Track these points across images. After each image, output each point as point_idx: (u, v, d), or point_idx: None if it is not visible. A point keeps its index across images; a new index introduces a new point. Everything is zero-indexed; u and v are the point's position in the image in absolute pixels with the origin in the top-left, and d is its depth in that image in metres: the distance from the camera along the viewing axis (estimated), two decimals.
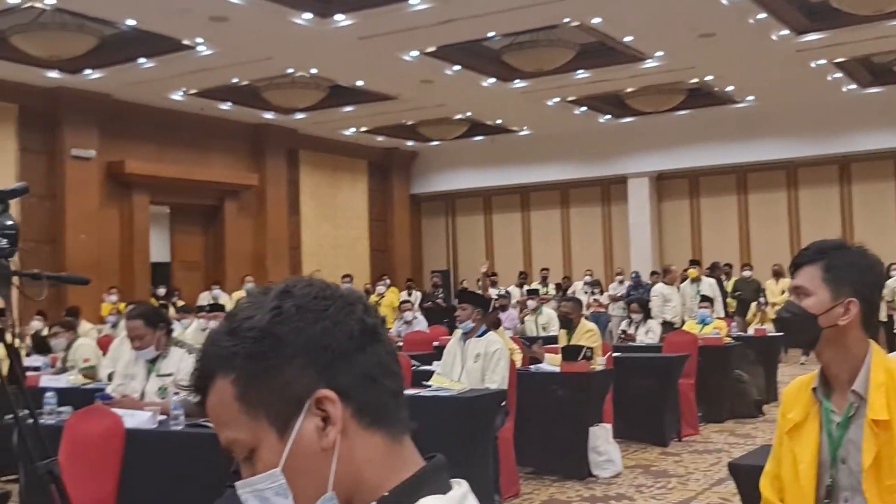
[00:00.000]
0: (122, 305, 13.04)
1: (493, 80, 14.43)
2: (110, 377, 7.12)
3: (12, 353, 2.44)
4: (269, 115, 16.46)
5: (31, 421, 2.52)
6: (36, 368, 7.71)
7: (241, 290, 14.87)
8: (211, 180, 16.41)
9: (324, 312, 1.03)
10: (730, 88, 15.61)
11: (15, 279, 2.50)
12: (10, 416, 2.67)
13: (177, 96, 14.80)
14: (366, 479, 1.02)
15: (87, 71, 12.98)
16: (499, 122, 17.89)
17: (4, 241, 2.43)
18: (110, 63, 12.66)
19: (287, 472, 1.00)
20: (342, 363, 1.02)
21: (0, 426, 3.89)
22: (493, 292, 13.48)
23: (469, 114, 17.00)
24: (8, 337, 2.51)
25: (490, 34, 12.16)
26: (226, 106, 15.65)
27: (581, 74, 14.19)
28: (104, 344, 9.03)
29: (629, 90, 15.41)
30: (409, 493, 1.00)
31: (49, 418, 4.73)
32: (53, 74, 13.05)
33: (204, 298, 14.21)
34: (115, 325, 12.29)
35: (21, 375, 2.52)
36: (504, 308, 11.85)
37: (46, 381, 6.98)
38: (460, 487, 1.04)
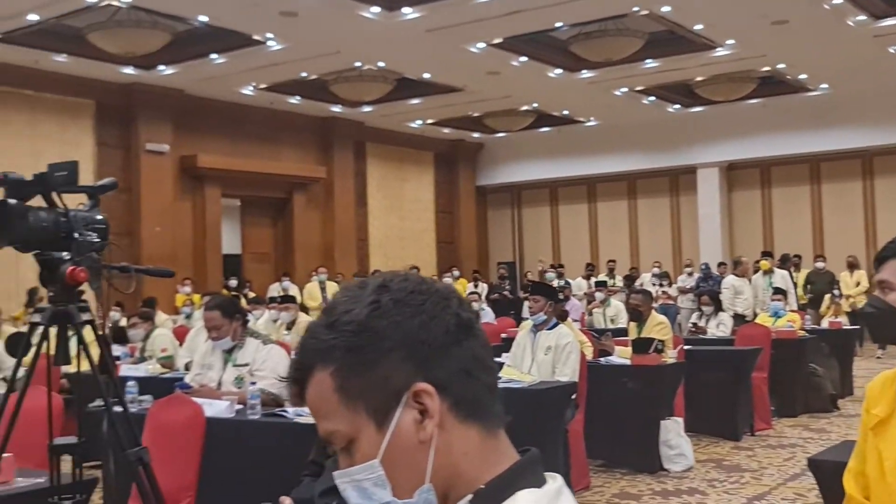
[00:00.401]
0: (195, 297, 13.33)
1: (559, 70, 14.35)
2: (187, 367, 7.29)
3: (103, 343, 2.52)
4: (336, 109, 16.62)
5: (120, 409, 2.61)
6: (115, 358, 7.93)
7: (311, 282, 15.07)
8: (280, 173, 16.65)
9: (421, 307, 1.05)
10: (803, 76, 15.27)
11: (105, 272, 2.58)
12: (100, 403, 2.76)
13: (247, 91, 15.03)
14: (462, 472, 1.03)
15: (161, 67, 13.27)
16: (565, 112, 17.78)
17: (95, 236, 2.51)
18: (183, 59, 12.92)
19: (385, 463, 1.02)
20: (439, 357, 1.04)
21: (86, 413, 4.02)
22: (554, 284, 13.41)
23: (535, 105, 16.93)
24: (96, 328, 2.59)
25: (557, 24, 12.09)
26: (294, 100, 15.85)
27: (650, 64, 14.03)
28: (179, 334, 9.25)
29: (699, 79, 15.18)
30: (506, 487, 1.01)
31: (131, 407, 4.87)
32: (129, 71, 13.37)
33: (274, 290, 14.44)
34: (189, 316, 12.56)
35: (111, 365, 2.61)
36: (567, 298, 11.76)
37: (126, 370, 7.18)
38: (555, 482, 1.05)
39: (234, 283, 14.96)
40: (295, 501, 3.15)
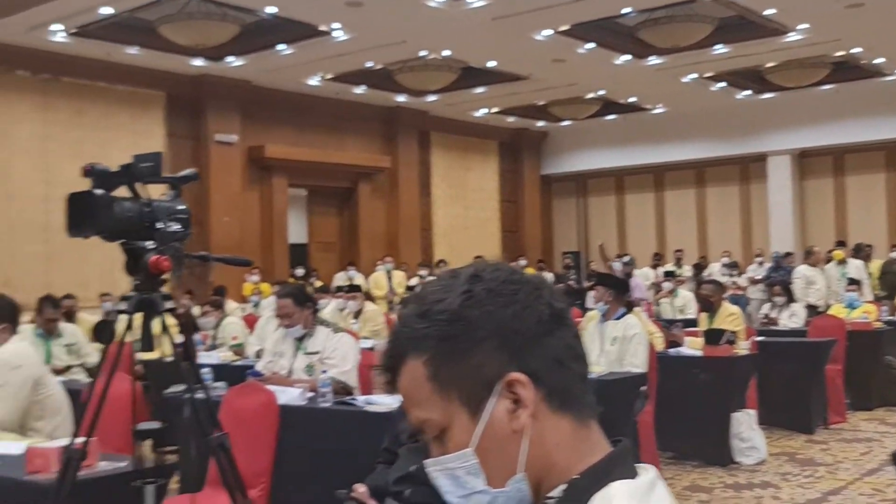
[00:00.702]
0: (263, 285, 13.52)
1: (627, 57, 14.17)
2: (257, 354, 7.40)
3: (186, 330, 2.57)
4: (401, 98, 16.66)
5: (201, 396, 2.65)
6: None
7: (377, 271, 15.16)
8: (346, 163, 16.78)
9: (514, 296, 1.04)
10: (879, 61, 14.84)
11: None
12: (176, 389, 2.81)
13: (313, 81, 15.15)
14: (555, 462, 1.03)
15: (230, 58, 13.44)
16: (632, 100, 17.56)
17: (178, 226, 2.55)
18: (251, 50, 13.07)
19: (478, 452, 1.02)
20: (532, 347, 1.04)
21: (164, 399, 4.10)
22: (616, 266, 13.26)
23: (602, 92, 16.75)
24: (178, 316, 2.64)
25: (625, 10, 11.93)
26: (360, 90, 15.93)
27: (719, 49, 13.76)
28: (247, 323, 9.38)
29: (770, 65, 14.85)
30: (599, 477, 1.00)
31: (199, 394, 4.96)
32: (198, 62, 13.57)
33: (339, 279, 14.56)
34: (256, 305, 12.76)
35: (194, 352, 2.65)
36: (629, 276, 11.58)
37: (198, 357, 7.30)
38: (648, 473, 1.04)
39: (300, 272, 15.12)
40: (369, 489, 3.18)
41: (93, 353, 7.43)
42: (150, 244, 2.52)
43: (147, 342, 2.58)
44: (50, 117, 12.94)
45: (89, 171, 2.42)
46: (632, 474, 1.02)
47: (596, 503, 0.98)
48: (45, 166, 12.77)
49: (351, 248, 17.15)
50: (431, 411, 1.04)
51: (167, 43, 11.90)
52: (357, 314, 9.75)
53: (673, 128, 18.81)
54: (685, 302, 11.50)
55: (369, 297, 11.86)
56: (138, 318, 2.58)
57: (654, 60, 14.35)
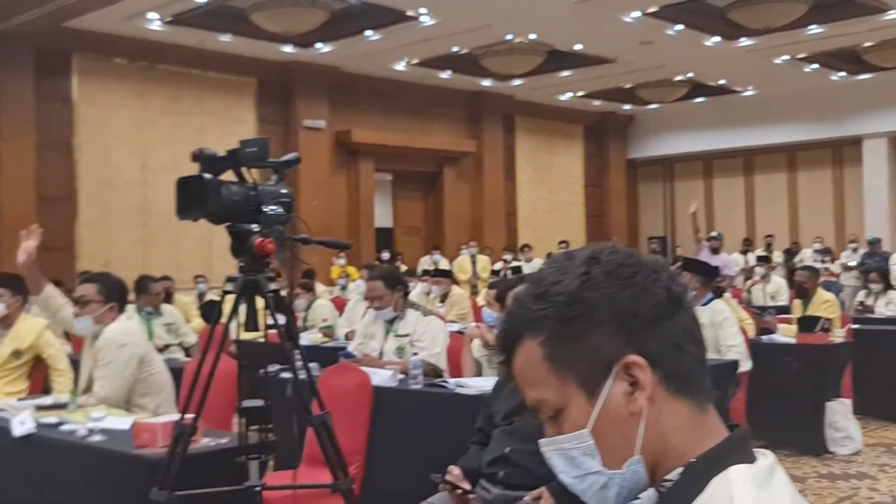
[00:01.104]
0: (350, 269, 13.70)
1: (717, 38, 13.88)
2: (347, 336, 7.53)
3: (288, 312, 2.64)
4: (486, 83, 16.64)
5: (304, 376, 2.72)
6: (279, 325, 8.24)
7: (462, 255, 15.22)
8: (431, 147, 16.85)
9: (631, 279, 1.05)
10: None
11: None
12: (275, 369, 2.89)
13: (399, 67, 15.25)
14: (672, 446, 1.03)
15: (319, 45, 13.62)
16: (722, 82, 17.20)
17: (281, 209, 2.62)
18: (339, 36, 13.20)
19: (594, 433, 1.04)
20: (650, 330, 1.04)
21: (258, 379, 4.21)
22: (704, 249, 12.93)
23: (690, 75, 16.45)
24: (282, 297, 2.71)
25: None
26: (445, 74, 15.97)
27: (813, 30, 13.37)
28: (335, 305, 9.52)
29: (867, 45, 14.37)
30: (717, 461, 1.00)
31: (302, 373, 5.07)
32: (288, 49, 13.79)
33: (424, 262, 14.66)
34: (344, 288, 12.93)
35: (296, 333, 2.72)
36: (716, 251, 11.31)
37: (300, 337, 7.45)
38: (766, 458, 1.04)
39: (386, 255, 15.28)
40: (462, 470, 3.22)
41: (189, 332, 7.68)
42: (255, 227, 2.59)
43: (252, 322, 2.66)
44: (146, 104, 13.33)
45: (197, 156, 2.50)
46: (750, 459, 1.02)
47: (714, 487, 0.98)
48: (142, 152, 13.18)
49: (436, 233, 17.25)
50: (547, 392, 1.06)
51: (258, 30, 12.11)
52: (443, 298, 9.80)
53: (764, 110, 18.35)
54: (777, 288, 11.24)
55: (454, 281, 11.92)
56: (241, 299, 2.66)
57: (745, 42, 14.02)
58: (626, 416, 1.03)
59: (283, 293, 2.64)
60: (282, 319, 2.71)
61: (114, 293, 4.15)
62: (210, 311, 5.83)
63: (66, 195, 12.45)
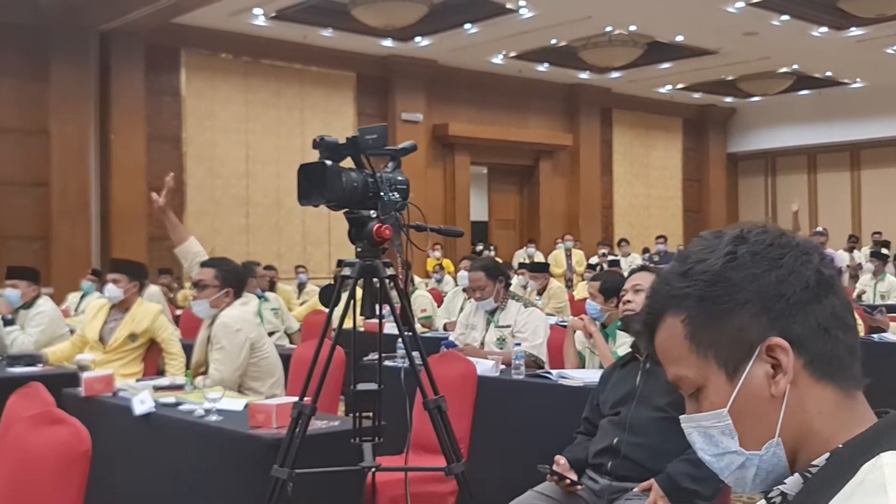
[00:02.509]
0: (445, 261, 13.78)
1: (825, 29, 13.46)
2: (445, 327, 7.59)
3: (404, 298, 2.68)
4: (583, 76, 16.51)
5: (419, 362, 2.77)
6: (381, 317, 8.36)
7: (557, 249, 15.15)
8: (527, 141, 16.82)
9: (779, 261, 1.03)
10: None
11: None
12: (376, 357, 2.95)
13: (497, 60, 15.25)
14: (816, 431, 1.02)
15: (417, 38, 13.73)
16: (828, 74, 16.68)
17: (397, 195, 2.66)
18: (438, 30, 13.29)
19: (734, 413, 1.03)
20: (796, 313, 1.02)
21: (361, 365, 4.28)
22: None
23: (795, 66, 16.00)
24: (398, 283, 2.76)
25: None
26: (542, 67, 15.90)
27: None
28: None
29: None
30: (867, 447, 0.98)
31: (401, 361, 5.13)
32: (387, 43, 13.94)
33: (519, 256, 14.63)
34: (440, 281, 13.01)
35: (412, 318, 2.77)
36: (822, 245, 10.99)
37: (389, 329, 7.55)
38: None
39: (480, 248, 15.31)
40: (569, 460, 3.23)
41: (292, 319, 7.87)
42: (372, 213, 2.64)
43: (370, 307, 2.72)
44: (250, 98, 13.66)
45: (318, 143, 2.56)
46: None
47: (865, 473, 0.95)
48: (246, 145, 13.53)
49: (530, 226, 17.22)
50: (688, 369, 1.06)
51: (359, 25, 12.28)
52: (541, 291, 9.78)
53: (873, 103, 17.72)
54: (890, 287, 10.83)
55: (551, 274, 11.87)
56: (358, 283, 2.72)
57: (854, 31, 13.56)
58: (767, 398, 1.02)
59: (400, 277, 2.67)
60: (397, 304, 2.75)
61: (230, 279, 4.28)
62: (328, 295, 5.96)
63: (174, 186, 12.84)
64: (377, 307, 2.68)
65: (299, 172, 2.57)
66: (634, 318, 3.31)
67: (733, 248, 1.05)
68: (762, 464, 1.04)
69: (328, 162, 2.54)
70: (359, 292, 2.76)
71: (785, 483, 1.03)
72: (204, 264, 4.34)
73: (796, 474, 1.02)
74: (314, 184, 2.54)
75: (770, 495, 1.04)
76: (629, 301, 3.60)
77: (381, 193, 2.60)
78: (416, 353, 2.82)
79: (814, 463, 1.01)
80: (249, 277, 7.22)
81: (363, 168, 2.65)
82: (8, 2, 11.26)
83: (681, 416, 1.10)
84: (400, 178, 2.72)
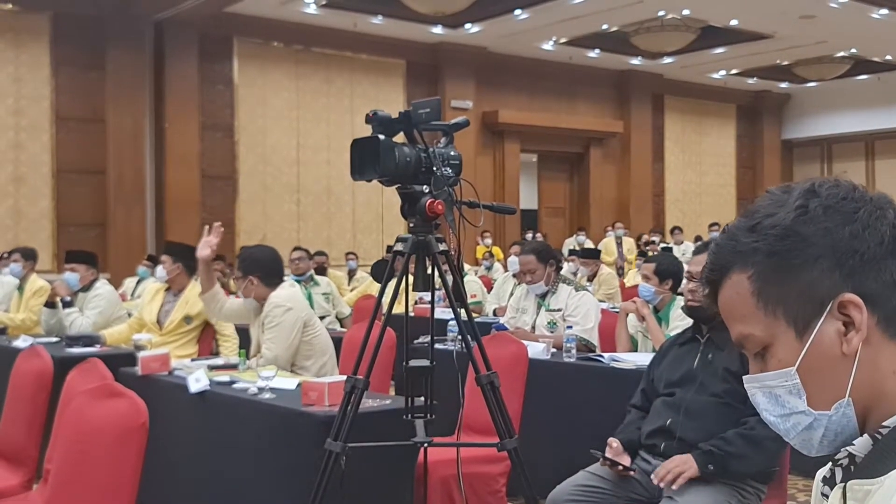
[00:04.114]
0: (495, 249, 13.77)
1: (885, 11, 13.14)
2: (495, 312, 7.58)
3: (457, 273, 2.68)
4: (635, 61, 16.33)
5: (472, 340, 2.76)
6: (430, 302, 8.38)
7: (607, 237, 15.04)
8: (577, 128, 16.71)
9: (853, 215, 1.00)
10: None
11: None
12: (426, 340, 2.94)
13: (547, 46, 15.15)
14: (889, 392, 0.99)
15: (467, 25, 13.69)
16: (888, 58, 16.28)
17: (450, 171, 2.66)
18: (488, 16, 13.23)
19: (802, 372, 1.00)
20: (870, 269, 0.99)
21: (411, 347, 4.29)
22: None
23: (854, 50, 15.66)
24: (451, 258, 2.75)
25: None
26: (593, 53, 15.77)
27: None
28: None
29: None
30: None
31: (452, 345, 5.13)
32: (437, 30, 13.92)
33: (569, 244, 14.56)
34: (489, 268, 13.00)
35: (464, 294, 2.76)
36: None
37: (440, 313, 7.56)
38: None
39: (530, 236, 15.25)
40: (622, 442, 3.20)
41: (343, 304, 7.92)
42: (425, 188, 2.64)
43: (423, 282, 2.72)
44: (301, 86, 13.76)
45: (371, 118, 2.56)
46: None
47: None
48: (297, 132, 13.63)
49: (580, 214, 17.11)
50: (754, 327, 1.03)
51: (409, 11, 12.27)
52: (591, 278, 9.72)
53: None
54: None
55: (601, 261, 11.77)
56: (411, 259, 2.72)
57: None
58: (838, 356, 0.99)
59: (453, 253, 2.67)
60: (450, 279, 2.75)
61: (248, 266, 4.32)
62: (381, 270, 5.99)
63: (227, 174, 13.03)
64: (430, 282, 2.67)
65: (352, 147, 2.57)
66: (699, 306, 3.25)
67: (804, 201, 1.02)
68: (831, 424, 1.00)
69: (381, 136, 2.53)
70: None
71: (853, 444, 1.00)
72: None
73: (865, 435, 0.99)
74: (367, 159, 2.54)
75: (837, 457, 1.02)
76: (694, 290, 3.40)
77: (434, 168, 2.59)
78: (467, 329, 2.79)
79: (884, 424, 0.98)
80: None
81: (416, 143, 2.64)
82: None
83: (744, 377, 1.07)
84: (453, 153, 2.71)
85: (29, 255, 7.10)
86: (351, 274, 11.66)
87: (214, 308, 4.45)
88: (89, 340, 5.37)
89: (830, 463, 1.03)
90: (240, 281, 4.30)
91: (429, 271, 2.77)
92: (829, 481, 1.02)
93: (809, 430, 1.02)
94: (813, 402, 1.01)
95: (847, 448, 1.00)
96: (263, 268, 4.33)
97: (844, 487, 0.97)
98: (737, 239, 1.04)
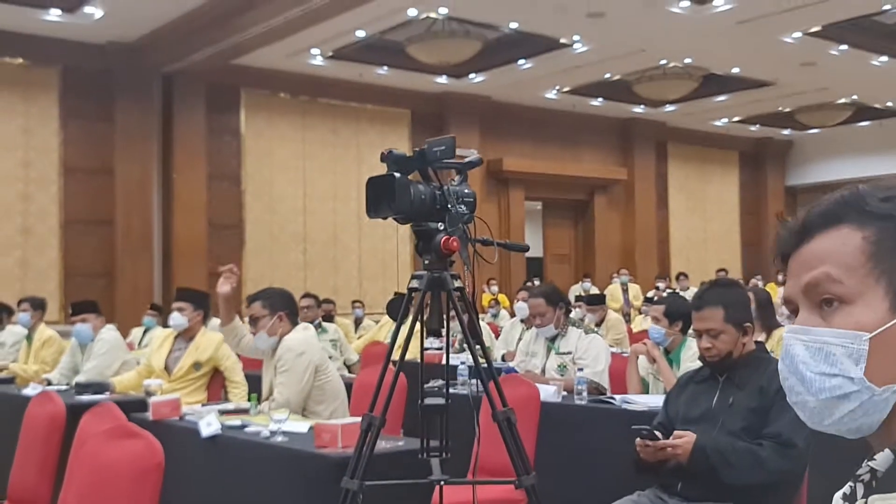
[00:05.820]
0: (501, 296, 13.76)
1: (885, 58, 13.29)
2: (503, 358, 7.56)
3: (472, 310, 2.68)
4: (638, 109, 16.48)
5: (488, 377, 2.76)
6: (437, 348, 8.36)
7: (613, 284, 15.04)
8: (581, 175, 16.80)
9: None
10: None
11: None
12: (438, 384, 2.94)
13: (550, 95, 15.31)
14: None
15: (472, 75, 13.85)
16: (889, 104, 16.42)
17: (464, 208, 2.68)
18: (492, 66, 13.39)
19: (875, 342, 0.97)
20: None
21: (430, 390, 4.28)
22: None
23: (855, 97, 15.80)
24: (465, 295, 2.76)
25: (886, 7, 11.19)
26: (596, 102, 15.92)
27: None
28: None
29: None
30: None
31: (464, 389, 5.12)
32: (441, 80, 14.08)
33: (575, 290, 14.55)
34: (496, 316, 12.98)
35: (479, 330, 2.77)
36: None
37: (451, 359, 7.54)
38: None
39: (536, 283, 15.24)
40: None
41: (351, 350, 7.91)
42: (440, 226, 2.66)
43: (437, 318, 2.72)
44: (308, 136, 13.88)
45: (386, 156, 2.59)
46: None
47: None
48: (303, 181, 13.72)
49: (586, 260, 17.13)
50: (847, 279, 0.99)
51: (414, 62, 12.43)
52: (599, 323, 9.69)
53: None
54: None
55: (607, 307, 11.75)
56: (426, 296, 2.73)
57: None
58: None
59: (467, 290, 2.68)
60: (465, 316, 2.75)
61: (277, 303, 4.33)
62: (396, 307, 5.99)
63: (234, 223, 13.10)
64: (445, 319, 2.67)
65: (368, 185, 2.60)
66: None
67: None
68: (869, 403, 0.97)
69: (397, 174, 2.56)
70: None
71: (875, 459, 0.98)
72: (250, 300, 4.42)
73: (887, 450, 0.97)
74: (382, 196, 2.56)
75: (858, 472, 0.99)
76: (709, 348, 3.14)
77: (449, 206, 2.61)
78: (483, 365, 2.79)
79: None
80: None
81: (431, 181, 2.66)
82: (75, 46, 11.64)
83: (791, 326, 1.03)
84: (467, 190, 2.73)
85: (38, 305, 7.13)
86: (357, 322, 11.65)
87: (233, 341, 4.48)
88: (99, 388, 5.36)
89: (851, 480, 1.01)
90: (265, 319, 4.29)
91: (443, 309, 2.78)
92: (850, 498, 0.99)
93: (843, 399, 0.98)
94: (873, 374, 0.97)
95: (868, 463, 0.99)
96: (291, 305, 4.40)
97: (866, 503, 0.96)
98: (867, 201, 1.01)
